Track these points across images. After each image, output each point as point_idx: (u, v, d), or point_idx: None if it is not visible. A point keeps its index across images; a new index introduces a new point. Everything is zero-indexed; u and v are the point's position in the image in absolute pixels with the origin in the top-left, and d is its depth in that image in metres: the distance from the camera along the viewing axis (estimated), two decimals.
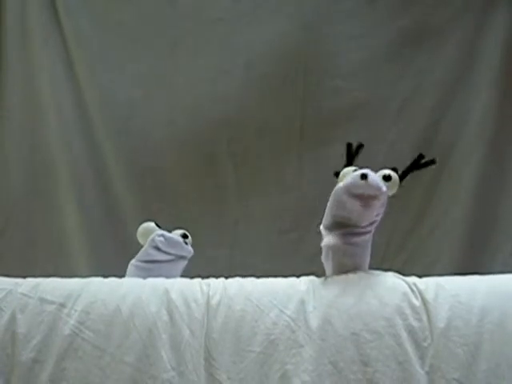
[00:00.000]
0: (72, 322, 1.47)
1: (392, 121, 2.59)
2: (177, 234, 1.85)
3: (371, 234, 1.64)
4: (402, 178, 1.63)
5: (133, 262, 1.83)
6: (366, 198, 1.53)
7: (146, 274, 1.76)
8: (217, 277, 1.61)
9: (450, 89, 2.59)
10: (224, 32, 2.63)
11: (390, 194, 1.60)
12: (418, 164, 1.64)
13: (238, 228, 2.59)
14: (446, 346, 1.43)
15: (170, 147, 2.62)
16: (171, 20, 2.64)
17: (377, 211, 1.58)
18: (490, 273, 1.64)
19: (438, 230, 2.55)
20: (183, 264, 1.86)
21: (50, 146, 2.63)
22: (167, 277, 1.75)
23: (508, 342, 1.43)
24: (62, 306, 1.50)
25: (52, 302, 1.51)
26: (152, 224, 1.88)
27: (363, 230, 1.60)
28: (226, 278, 1.60)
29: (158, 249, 1.81)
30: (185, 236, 1.85)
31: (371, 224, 1.61)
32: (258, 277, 1.59)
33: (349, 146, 1.67)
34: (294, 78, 2.61)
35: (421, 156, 1.64)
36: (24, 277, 1.60)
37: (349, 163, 1.65)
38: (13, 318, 1.49)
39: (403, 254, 2.55)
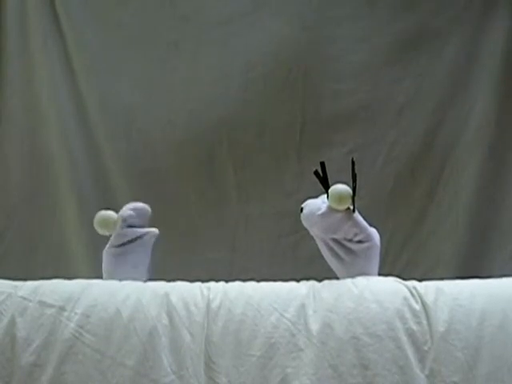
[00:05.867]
0: (72, 325, 1.47)
1: (392, 123, 2.59)
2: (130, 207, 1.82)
3: (367, 243, 1.66)
4: (353, 191, 1.64)
5: (107, 249, 1.79)
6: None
7: (121, 259, 1.75)
8: (217, 280, 1.61)
9: (449, 91, 2.58)
10: (224, 34, 2.62)
11: (342, 207, 1.64)
12: (354, 169, 1.65)
13: (238, 231, 2.59)
14: (446, 350, 1.43)
15: (170, 149, 2.61)
16: (171, 22, 2.64)
17: (345, 229, 1.64)
18: (490, 276, 1.64)
19: (437, 234, 2.55)
20: (153, 239, 1.82)
21: (50, 147, 2.63)
22: (141, 255, 1.76)
23: (508, 346, 1.43)
24: (62, 309, 1.50)
25: (52, 306, 1.50)
26: (110, 213, 1.82)
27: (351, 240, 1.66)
28: (227, 281, 1.60)
29: (130, 226, 1.78)
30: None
31: (356, 235, 1.64)
32: (258, 280, 1.59)
33: (322, 165, 1.69)
34: (294, 80, 2.61)
35: (353, 162, 1.65)
36: (24, 279, 1.60)
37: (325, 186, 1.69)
38: (12, 322, 1.48)
39: (403, 258, 2.54)
